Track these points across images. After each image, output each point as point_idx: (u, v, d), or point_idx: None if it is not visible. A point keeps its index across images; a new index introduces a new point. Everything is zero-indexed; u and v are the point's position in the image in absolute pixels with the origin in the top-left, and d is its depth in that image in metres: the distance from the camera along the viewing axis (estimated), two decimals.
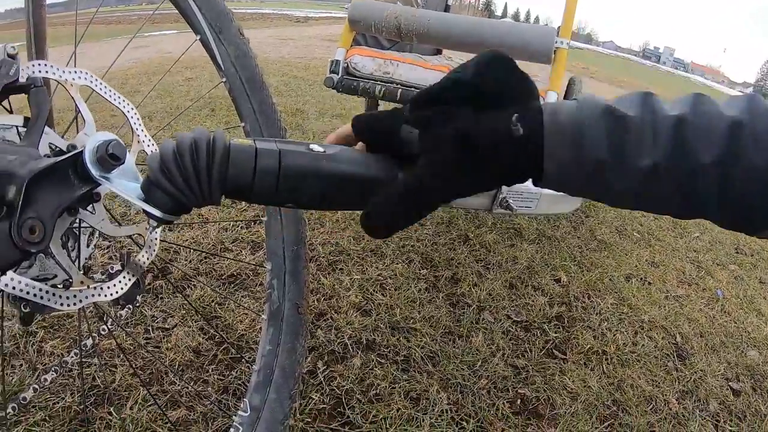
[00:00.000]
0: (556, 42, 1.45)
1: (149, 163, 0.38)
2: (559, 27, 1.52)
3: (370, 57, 1.65)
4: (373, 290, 1.40)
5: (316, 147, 0.40)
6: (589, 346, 1.35)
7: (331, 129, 2.73)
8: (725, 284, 2.00)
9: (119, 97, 0.63)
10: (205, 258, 1.43)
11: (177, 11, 0.75)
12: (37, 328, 1.09)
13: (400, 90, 1.58)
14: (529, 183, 0.63)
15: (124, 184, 0.41)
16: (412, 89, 1.60)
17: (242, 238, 1.55)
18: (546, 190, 0.66)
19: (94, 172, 0.41)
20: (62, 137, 0.54)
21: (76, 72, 0.57)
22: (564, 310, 1.48)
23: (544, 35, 1.45)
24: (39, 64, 0.53)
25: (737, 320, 1.76)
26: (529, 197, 0.61)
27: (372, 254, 1.56)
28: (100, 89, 0.60)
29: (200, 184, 0.36)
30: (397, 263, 1.53)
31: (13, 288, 0.48)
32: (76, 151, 0.42)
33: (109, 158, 0.40)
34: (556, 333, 1.37)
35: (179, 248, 1.45)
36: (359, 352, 1.19)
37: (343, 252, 1.54)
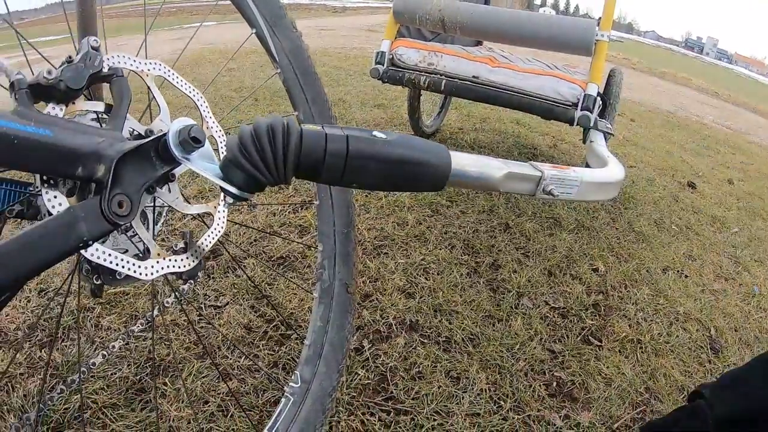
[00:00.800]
0: (597, 35, 1.52)
1: (228, 146, 0.45)
2: (599, 19, 1.58)
3: (414, 48, 1.74)
4: (417, 274, 1.51)
5: (378, 134, 0.48)
6: (624, 334, 1.44)
7: (373, 119, 2.83)
8: (762, 281, 2.06)
9: (190, 87, 0.70)
10: (256, 240, 1.55)
11: (233, 6, 0.81)
12: (93, 305, 1.21)
13: (444, 81, 1.67)
14: (570, 170, 0.72)
15: (204, 164, 0.48)
16: (456, 80, 1.68)
17: (290, 222, 1.67)
18: (587, 177, 0.75)
19: (177, 153, 0.47)
20: (139, 122, 0.61)
21: (152, 63, 0.64)
22: (601, 299, 1.57)
23: (585, 28, 1.52)
24: (119, 56, 0.58)
25: None
26: (570, 183, 0.69)
27: (416, 240, 1.66)
28: (173, 79, 0.67)
29: (276, 165, 0.43)
30: (440, 249, 1.64)
31: (98, 258, 0.53)
32: (160, 134, 0.49)
33: (191, 141, 0.47)
34: (592, 320, 1.47)
35: (230, 230, 1.57)
36: (403, 332, 1.30)
37: (387, 237, 1.65)
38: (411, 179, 0.49)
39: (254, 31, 0.83)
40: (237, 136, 0.45)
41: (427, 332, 1.31)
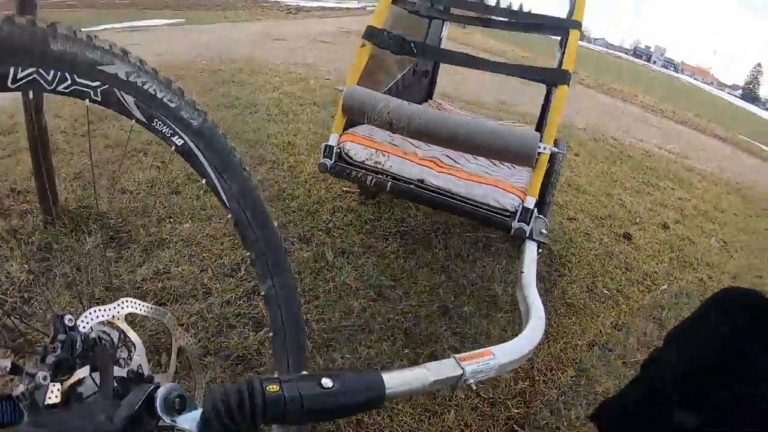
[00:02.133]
0: (540, 148, 1.72)
1: (204, 405, 0.61)
2: (542, 133, 1.79)
3: (362, 145, 1.92)
4: (362, 369, 1.73)
5: (327, 382, 0.66)
6: (545, 422, 1.70)
7: (325, 177, 3.01)
8: None
9: (155, 309, 0.83)
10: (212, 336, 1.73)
11: (182, 157, 0.87)
12: None
13: (389, 183, 1.86)
14: (489, 356, 0.94)
15: (187, 419, 0.63)
16: (402, 183, 1.87)
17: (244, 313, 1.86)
18: (505, 358, 0.98)
19: (165, 417, 0.61)
20: (123, 366, 0.73)
21: (119, 305, 0.74)
22: (527, 386, 1.83)
23: (529, 140, 1.71)
24: (90, 318, 0.69)
25: None
26: (489, 369, 0.91)
27: (361, 331, 1.88)
28: (140, 309, 0.79)
29: (244, 421, 0.61)
30: (383, 341, 1.86)
31: None
32: (148, 394, 0.62)
33: (177, 406, 0.62)
34: (517, 409, 1.72)
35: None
36: (350, 429, 1.51)
37: (335, 329, 1.86)
38: (356, 411, 0.71)
39: (204, 180, 0.90)
40: (211, 397, 0.62)
41: (371, 429, 1.53)
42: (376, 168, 1.91)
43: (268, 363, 1.63)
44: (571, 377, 1.93)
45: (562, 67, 1.85)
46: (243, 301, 1.88)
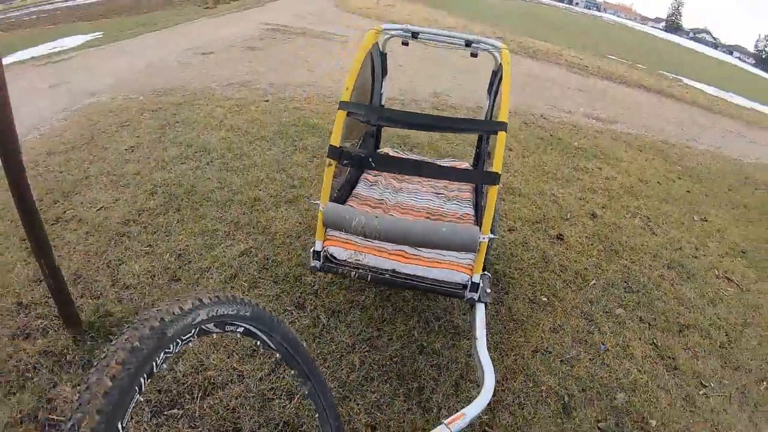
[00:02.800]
0: (480, 238, 2.38)
1: None
2: (480, 226, 2.43)
3: (342, 248, 2.55)
4: (374, 410, 2.43)
5: None
6: (506, 422, 2.44)
7: (294, 229, 3.66)
8: (609, 335, 3.16)
9: None
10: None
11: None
12: None
13: (369, 274, 2.50)
14: (465, 417, 1.67)
15: None
16: (378, 274, 2.50)
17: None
18: (474, 413, 1.71)
19: None
20: None
21: None
22: (494, 398, 2.56)
23: (472, 235, 2.37)
24: None
25: (613, 370, 2.91)
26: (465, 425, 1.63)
27: (366, 381, 2.58)
28: None
29: None
30: (384, 384, 2.56)
31: None
32: None
33: None
34: (486, 415, 2.45)
35: None
36: None
37: (346, 384, 2.55)
38: None
39: (258, 342, 1.43)
40: None
41: None
42: (357, 264, 2.52)
43: (306, 425, 2.32)
44: (522, 382, 2.67)
45: (492, 169, 2.45)
46: (272, 376, 2.56)
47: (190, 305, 1.18)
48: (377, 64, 3.31)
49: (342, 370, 2.63)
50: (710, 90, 17.73)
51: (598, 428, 2.56)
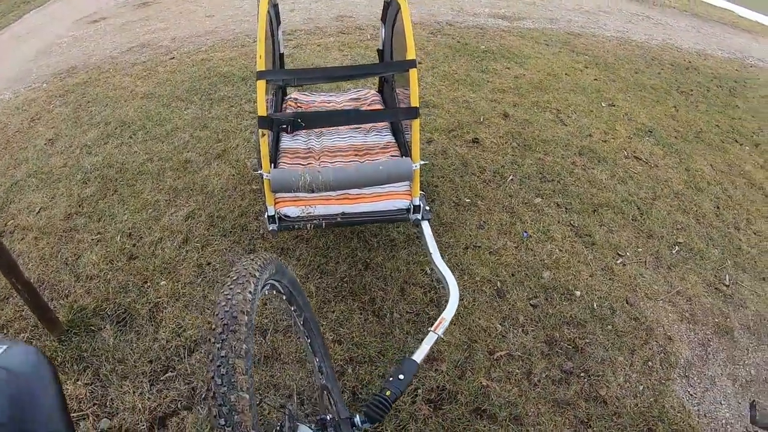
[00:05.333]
0: (413, 166, 2.82)
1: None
2: (410, 155, 2.88)
3: (294, 206, 2.87)
4: (337, 326, 2.93)
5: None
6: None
7: (233, 181, 4.00)
8: (530, 223, 3.74)
9: None
10: None
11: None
12: None
13: (323, 222, 2.88)
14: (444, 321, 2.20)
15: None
16: (331, 219, 2.88)
17: None
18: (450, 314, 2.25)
19: None
20: None
21: None
22: (433, 294, 3.11)
23: (406, 167, 2.82)
24: None
25: (537, 253, 3.51)
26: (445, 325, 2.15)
27: (327, 303, 3.05)
28: None
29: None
30: (341, 303, 3.06)
31: None
32: None
33: None
34: (432, 311, 2.99)
35: None
36: (341, 362, 2.70)
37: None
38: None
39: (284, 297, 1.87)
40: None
41: (354, 355, 2.74)
42: (309, 217, 2.89)
43: (284, 354, 2.77)
44: (458, 277, 3.22)
45: (411, 105, 2.83)
46: None
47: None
48: (272, 15, 3.60)
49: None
50: None
51: (530, 304, 3.15)
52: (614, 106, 5.78)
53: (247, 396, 1.16)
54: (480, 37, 7.52)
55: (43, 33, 8.49)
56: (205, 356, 2.73)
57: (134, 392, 2.61)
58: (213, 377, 1.18)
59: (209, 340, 1.26)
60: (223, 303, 1.31)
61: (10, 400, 0.81)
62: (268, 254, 1.66)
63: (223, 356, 1.20)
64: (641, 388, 2.82)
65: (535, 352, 2.90)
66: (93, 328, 2.93)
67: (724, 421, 2.81)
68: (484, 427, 2.55)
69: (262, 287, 1.53)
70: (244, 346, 1.23)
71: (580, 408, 2.68)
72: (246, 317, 1.29)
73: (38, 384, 0.88)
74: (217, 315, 1.29)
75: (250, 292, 1.37)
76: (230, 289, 1.36)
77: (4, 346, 0.90)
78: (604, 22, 9.21)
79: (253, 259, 1.54)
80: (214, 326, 1.26)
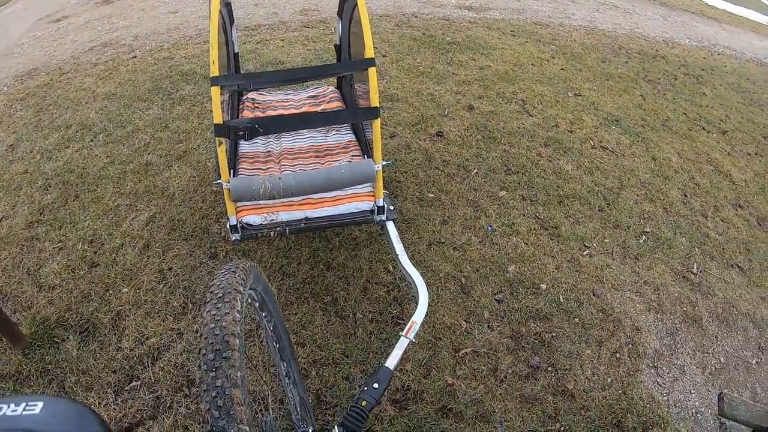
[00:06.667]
0: (376, 167, 2.79)
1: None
2: (372, 156, 2.84)
3: (256, 214, 2.82)
4: (299, 329, 2.91)
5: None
6: (413, 306, 2.95)
7: (194, 183, 3.94)
8: (495, 217, 3.74)
9: None
10: None
11: None
12: None
13: (287, 228, 2.84)
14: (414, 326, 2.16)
15: None
16: (294, 225, 2.85)
17: None
18: (420, 317, 2.22)
19: None
20: None
21: None
22: (396, 292, 3.10)
23: (369, 168, 2.79)
24: None
25: (502, 247, 3.51)
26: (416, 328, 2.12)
27: (289, 305, 3.01)
28: None
29: None
30: (303, 304, 3.04)
31: None
32: None
33: None
34: (396, 310, 2.99)
35: None
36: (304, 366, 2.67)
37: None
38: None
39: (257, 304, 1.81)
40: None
41: (317, 357, 2.71)
42: (272, 224, 2.84)
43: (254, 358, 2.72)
44: (422, 274, 3.17)
45: (371, 104, 2.80)
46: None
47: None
48: (225, 15, 3.55)
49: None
50: None
51: (495, 300, 3.15)
52: (581, 95, 5.82)
53: (248, 428, 1.13)
54: (446, 28, 7.52)
55: (5, 33, 8.33)
56: (198, 384, 2.67)
57: (99, 403, 2.56)
58: (210, 409, 1.14)
59: (200, 366, 1.22)
60: (212, 325, 1.27)
61: None
62: (245, 262, 1.62)
63: (218, 386, 1.16)
64: (609, 380, 2.84)
65: (500, 348, 2.90)
66: (56, 339, 2.87)
67: (694, 410, 2.83)
68: (451, 425, 2.55)
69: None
70: (239, 373, 1.20)
71: (547, 403, 2.69)
72: (237, 341, 1.26)
73: None
74: (206, 339, 1.25)
75: (238, 312, 1.33)
76: (217, 308, 1.32)
77: (40, 403, 0.76)
78: (572, 11, 9.27)
79: (234, 271, 1.50)
80: (204, 351, 1.22)
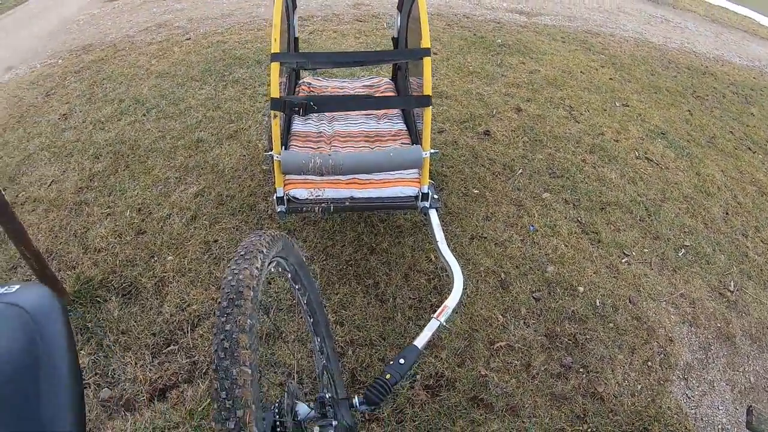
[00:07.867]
0: (423, 155, 2.84)
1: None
2: (420, 142, 2.90)
3: (303, 188, 2.90)
4: (340, 308, 2.97)
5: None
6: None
7: (243, 161, 4.03)
8: (537, 217, 3.76)
9: None
10: None
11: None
12: None
13: (332, 206, 2.89)
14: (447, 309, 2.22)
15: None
16: (339, 203, 2.90)
17: None
18: (454, 302, 2.28)
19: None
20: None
21: None
22: (437, 282, 3.13)
23: (417, 154, 2.84)
24: None
25: (542, 247, 3.53)
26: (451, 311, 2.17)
27: (331, 285, 3.08)
28: None
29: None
30: (345, 286, 3.09)
31: None
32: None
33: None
34: (435, 299, 3.02)
35: None
36: (343, 345, 2.73)
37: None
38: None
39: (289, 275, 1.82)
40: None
41: (355, 337, 2.77)
42: (318, 200, 2.90)
43: (285, 332, 2.80)
44: (463, 266, 3.23)
45: (424, 93, 2.83)
46: None
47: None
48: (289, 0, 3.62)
49: (315, 270, 3.15)
50: None
51: (533, 297, 3.17)
52: (628, 106, 5.78)
53: (250, 370, 1.16)
54: (496, 30, 7.52)
55: (60, 11, 8.53)
56: (210, 330, 2.76)
57: (136, 364, 2.66)
58: (216, 350, 1.19)
59: (215, 313, 1.27)
60: (230, 277, 1.32)
61: (24, 334, 0.86)
62: (276, 231, 1.67)
63: (227, 330, 1.20)
64: (639, 387, 2.84)
65: (535, 345, 2.93)
66: (98, 299, 2.98)
67: (720, 427, 2.83)
68: (481, 416, 2.58)
69: (269, 264, 1.54)
70: (249, 321, 1.23)
71: (576, 403, 2.70)
72: (252, 292, 1.30)
73: (51, 322, 0.92)
74: (223, 289, 1.30)
75: (257, 268, 1.37)
76: (237, 264, 1.37)
77: (17, 286, 0.95)
78: (623, 22, 9.18)
79: (260, 236, 1.55)
80: (220, 300, 1.27)
